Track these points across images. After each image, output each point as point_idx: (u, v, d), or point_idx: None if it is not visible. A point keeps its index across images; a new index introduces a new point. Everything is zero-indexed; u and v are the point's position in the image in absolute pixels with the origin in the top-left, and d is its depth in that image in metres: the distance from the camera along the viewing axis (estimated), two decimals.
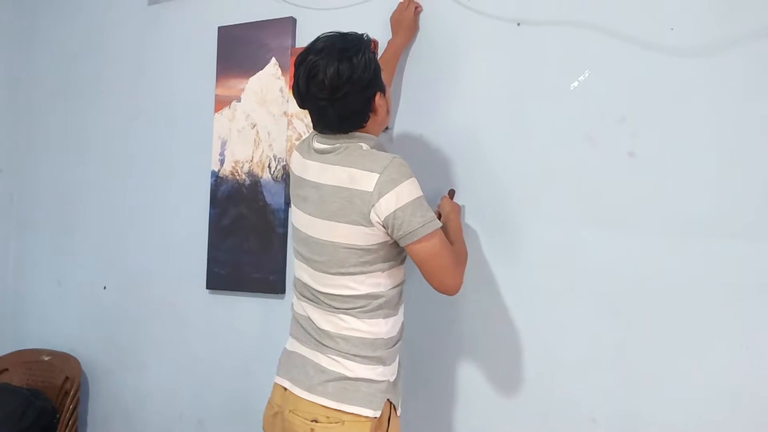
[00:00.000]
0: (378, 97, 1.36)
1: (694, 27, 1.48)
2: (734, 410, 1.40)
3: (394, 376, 1.41)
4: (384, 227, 1.30)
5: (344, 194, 1.30)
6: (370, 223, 1.29)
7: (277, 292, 1.98)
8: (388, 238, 1.33)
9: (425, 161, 1.74)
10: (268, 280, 1.99)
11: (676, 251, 1.47)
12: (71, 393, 2.28)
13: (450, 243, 1.39)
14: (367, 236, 1.31)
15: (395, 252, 1.38)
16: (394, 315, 1.39)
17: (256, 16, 2.07)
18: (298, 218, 1.42)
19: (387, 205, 1.27)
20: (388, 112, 1.44)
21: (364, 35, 1.38)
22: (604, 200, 1.55)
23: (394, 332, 1.40)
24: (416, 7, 1.76)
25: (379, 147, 1.40)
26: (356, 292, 1.34)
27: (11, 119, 2.62)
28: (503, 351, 1.65)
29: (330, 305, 1.37)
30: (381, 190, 1.27)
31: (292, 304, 1.50)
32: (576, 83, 1.59)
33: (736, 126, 1.43)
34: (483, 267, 1.68)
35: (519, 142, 1.65)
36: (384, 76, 1.43)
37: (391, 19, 1.79)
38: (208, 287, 2.12)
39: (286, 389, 1.39)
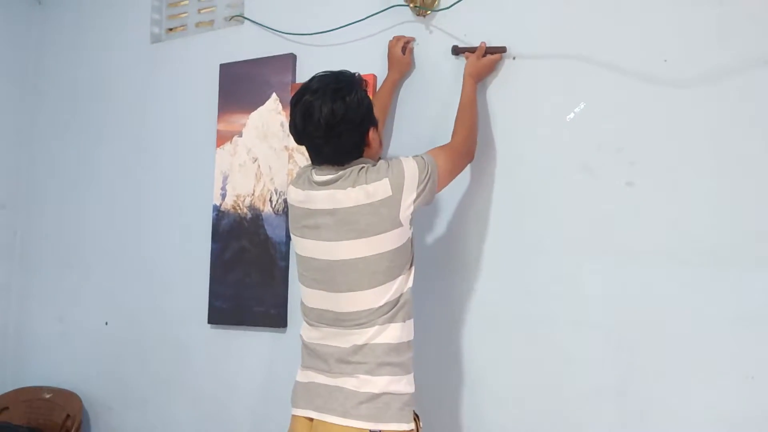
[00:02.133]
0: (371, 132, 1.46)
1: (687, 58, 1.50)
2: None
3: (413, 387, 1.43)
4: (411, 219, 1.43)
5: (367, 210, 1.38)
6: (400, 224, 1.40)
7: (279, 326, 1.97)
8: (410, 233, 1.45)
9: None
10: (270, 313, 1.98)
11: (677, 281, 1.46)
12: (72, 431, 2.25)
13: (470, 105, 1.63)
14: (398, 237, 1.41)
15: (411, 249, 1.47)
16: (410, 317, 1.45)
17: (257, 53, 2.11)
18: (310, 247, 1.46)
19: (411, 196, 1.40)
20: (380, 144, 1.55)
21: (356, 74, 1.47)
22: (603, 231, 1.55)
23: (412, 335, 1.46)
24: (406, 43, 1.80)
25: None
26: (383, 301, 1.39)
27: (16, 156, 2.65)
28: (508, 382, 1.63)
29: (355, 322, 1.40)
30: (399, 188, 1.39)
31: (303, 336, 1.51)
32: (572, 115, 1.61)
33: (734, 155, 1.44)
34: (485, 298, 1.68)
35: (516, 174, 1.67)
36: (377, 110, 1.52)
37: (387, 55, 1.83)
38: (209, 322, 2.11)
39: (312, 419, 1.41)
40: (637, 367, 1.49)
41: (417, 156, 1.46)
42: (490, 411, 1.65)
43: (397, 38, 1.81)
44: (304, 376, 1.48)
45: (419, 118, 1.81)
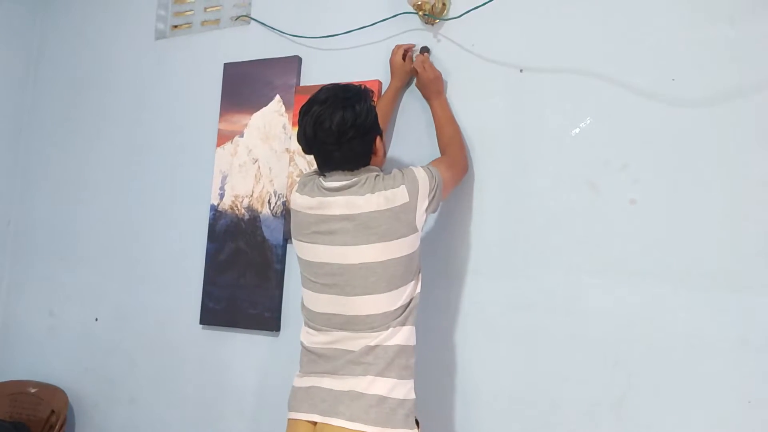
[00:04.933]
0: (377, 140, 1.52)
1: (695, 78, 1.50)
2: None
3: (415, 395, 1.44)
4: (424, 221, 1.49)
5: (388, 215, 1.42)
6: (416, 229, 1.45)
7: (272, 329, 1.95)
8: (419, 240, 1.49)
9: None
10: (264, 317, 1.96)
11: (678, 301, 1.45)
12: (56, 427, 2.22)
13: (448, 122, 1.69)
14: (413, 242, 1.46)
15: (419, 256, 1.51)
16: (415, 322, 1.48)
17: (262, 54, 2.10)
18: (321, 252, 1.46)
19: (424, 203, 1.46)
20: (384, 153, 1.59)
21: (362, 86, 1.52)
22: (606, 247, 1.55)
23: (415, 339, 1.48)
24: (406, 51, 1.80)
25: (386, 172, 1.52)
26: (398, 304, 1.43)
27: (13, 147, 2.62)
28: (504, 394, 1.62)
29: (369, 325, 1.42)
30: (415, 195, 1.45)
31: (304, 342, 1.50)
32: (577, 130, 1.61)
33: (739, 176, 1.44)
34: (483, 312, 1.66)
35: (520, 187, 1.66)
36: (380, 119, 1.55)
37: (389, 62, 1.83)
38: (201, 322, 2.08)
39: (315, 423, 1.41)
40: (635, 386, 1.48)
41: (423, 166, 1.51)
42: (485, 423, 1.63)
43: (398, 46, 1.81)
44: (304, 382, 1.47)
45: (421, 126, 1.80)
